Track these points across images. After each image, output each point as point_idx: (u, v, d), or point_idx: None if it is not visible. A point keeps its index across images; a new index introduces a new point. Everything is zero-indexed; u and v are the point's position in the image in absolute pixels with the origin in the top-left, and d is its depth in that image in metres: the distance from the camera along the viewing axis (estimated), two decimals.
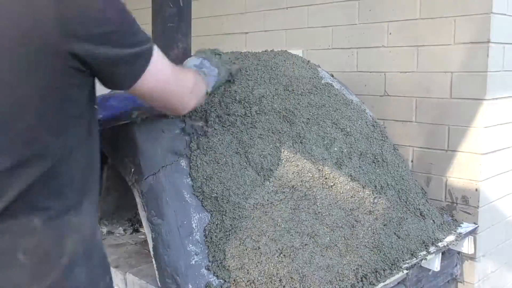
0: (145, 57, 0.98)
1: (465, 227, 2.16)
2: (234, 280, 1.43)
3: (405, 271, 1.74)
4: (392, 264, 1.72)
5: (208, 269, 1.43)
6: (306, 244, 1.57)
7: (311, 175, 1.70)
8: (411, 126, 2.39)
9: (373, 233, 1.74)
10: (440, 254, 1.94)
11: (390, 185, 1.92)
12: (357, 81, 2.53)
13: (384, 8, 2.42)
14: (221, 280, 1.42)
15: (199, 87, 1.26)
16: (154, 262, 1.48)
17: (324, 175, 1.73)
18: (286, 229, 1.56)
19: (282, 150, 1.69)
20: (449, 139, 2.26)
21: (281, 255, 1.51)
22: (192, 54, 1.73)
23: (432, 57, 2.27)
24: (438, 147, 2.30)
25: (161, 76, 1.03)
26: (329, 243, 1.62)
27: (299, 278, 1.49)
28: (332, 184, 1.73)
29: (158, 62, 1.01)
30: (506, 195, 2.40)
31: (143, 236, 1.95)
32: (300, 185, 1.66)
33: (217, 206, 1.50)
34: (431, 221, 2.00)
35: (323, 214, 1.66)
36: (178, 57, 1.67)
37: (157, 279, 1.47)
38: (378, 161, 1.95)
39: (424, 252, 1.85)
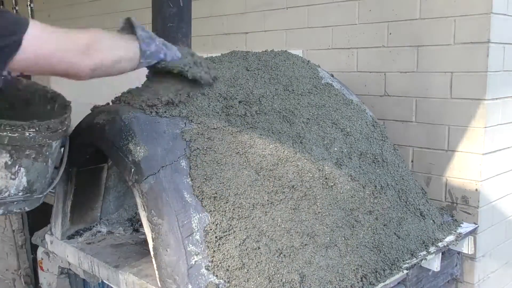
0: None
1: (465, 227, 2.16)
2: (234, 280, 1.43)
3: (405, 271, 1.74)
4: (392, 264, 1.73)
5: (208, 269, 1.43)
6: (306, 244, 1.57)
7: (311, 175, 1.70)
8: (411, 126, 2.39)
9: (373, 233, 1.74)
10: (440, 254, 1.94)
11: (390, 185, 1.92)
12: (357, 81, 2.53)
13: (384, 8, 2.42)
14: (221, 280, 1.42)
15: (103, 44, 1.29)
16: (154, 262, 1.48)
17: (324, 175, 1.73)
18: (286, 229, 1.56)
19: (282, 150, 1.69)
20: (449, 139, 2.26)
21: (281, 255, 1.51)
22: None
23: (432, 57, 2.27)
24: (438, 147, 2.30)
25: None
26: (329, 243, 1.62)
27: (299, 278, 1.49)
28: (332, 184, 1.73)
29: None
30: (506, 195, 2.40)
31: (143, 236, 1.94)
32: (300, 185, 1.66)
33: (217, 206, 1.50)
34: (431, 221, 2.00)
35: (323, 214, 1.66)
36: None
37: (157, 279, 1.47)
38: (378, 161, 1.95)
39: (424, 252, 1.86)
